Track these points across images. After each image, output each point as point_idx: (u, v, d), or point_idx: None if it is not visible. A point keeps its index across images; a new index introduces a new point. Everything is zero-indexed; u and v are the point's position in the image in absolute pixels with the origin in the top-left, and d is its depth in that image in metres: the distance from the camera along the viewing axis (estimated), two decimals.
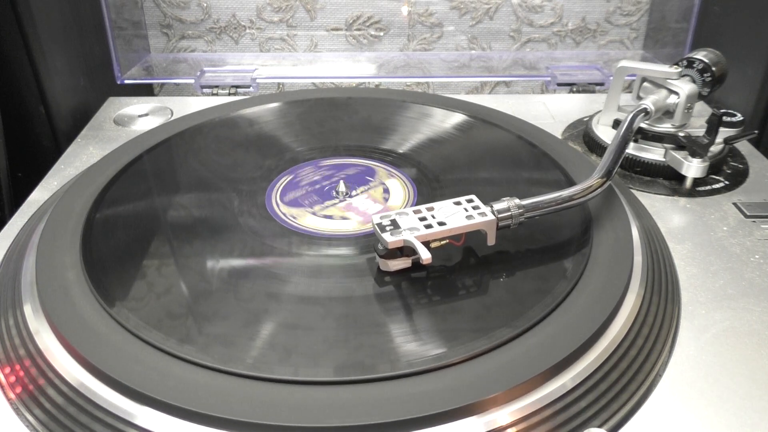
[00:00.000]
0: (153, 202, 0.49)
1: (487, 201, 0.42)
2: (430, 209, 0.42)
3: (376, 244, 0.41)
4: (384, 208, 0.49)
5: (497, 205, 0.42)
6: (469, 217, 0.41)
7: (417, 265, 0.41)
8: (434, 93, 0.84)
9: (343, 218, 0.47)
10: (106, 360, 0.34)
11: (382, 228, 0.40)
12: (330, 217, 0.47)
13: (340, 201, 0.49)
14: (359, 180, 0.52)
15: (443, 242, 0.41)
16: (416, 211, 0.41)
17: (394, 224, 0.40)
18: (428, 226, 0.40)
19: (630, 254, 0.42)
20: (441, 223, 0.40)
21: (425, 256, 0.38)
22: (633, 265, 0.41)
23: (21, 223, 0.50)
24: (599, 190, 0.45)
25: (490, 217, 0.41)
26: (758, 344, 0.39)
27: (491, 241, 0.41)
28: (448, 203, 0.42)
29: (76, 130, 0.65)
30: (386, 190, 0.50)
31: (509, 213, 0.41)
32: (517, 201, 0.42)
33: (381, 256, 0.40)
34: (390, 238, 0.39)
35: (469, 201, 0.42)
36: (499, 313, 0.38)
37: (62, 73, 0.68)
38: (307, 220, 0.47)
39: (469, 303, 0.39)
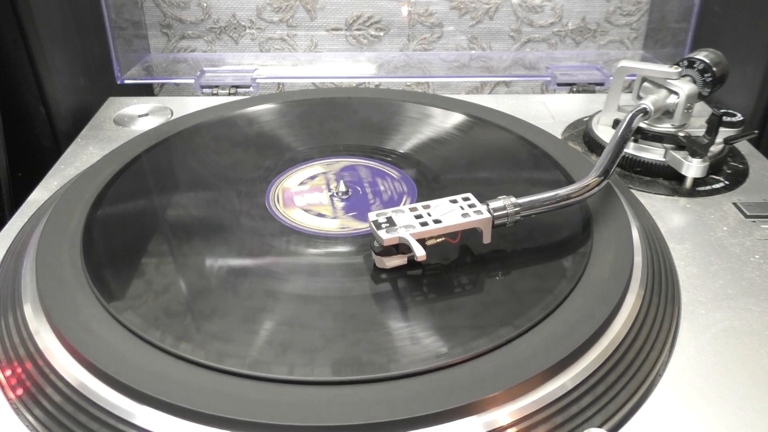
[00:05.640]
0: (153, 202, 0.49)
1: (485, 201, 0.42)
2: (426, 207, 0.42)
3: (372, 241, 0.41)
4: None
5: (493, 204, 0.42)
6: (465, 215, 0.41)
7: (413, 262, 0.41)
8: (434, 93, 0.84)
9: None
10: (105, 359, 0.34)
11: (378, 225, 0.40)
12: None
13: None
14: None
15: (439, 240, 0.41)
16: (412, 209, 0.42)
17: (390, 221, 0.40)
18: (424, 224, 0.40)
19: (630, 254, 0.42)
20: (437, 221, 0.40)
21: (420, 253, 0.38)
22: (633, 265, 0.41)
23: (21, 223, 0.50)
24: (596, 189, 0.45)
25: (486, 215, 0.41)
26: (758, 344, 0.39)
27: (487, 239, 0.41)
28: (445, 201, 0.42)
29: (76, 130, 0.65)
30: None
31: (505, 211, 0.41)
32: (513, 199, 0.42)
33: (377, 254, 0.40)
34: (385, 236, 0.39)
35: (466, 199, 0.42)
36: (499, 312, 0.38)
37: (62, 73, 0.68)
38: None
39: (469, 302, 0.39)
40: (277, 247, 0.44)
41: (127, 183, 0.51)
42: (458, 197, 0.43)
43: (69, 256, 0.42)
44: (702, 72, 0.57)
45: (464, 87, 0.93)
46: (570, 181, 0.50)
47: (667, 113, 0.57)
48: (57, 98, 0.67)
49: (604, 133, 0.60)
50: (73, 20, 0.71)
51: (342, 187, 0.50)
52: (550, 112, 0.69)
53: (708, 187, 0.54)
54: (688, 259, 0.46)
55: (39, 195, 0.54)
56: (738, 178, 0.56)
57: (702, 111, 0.64)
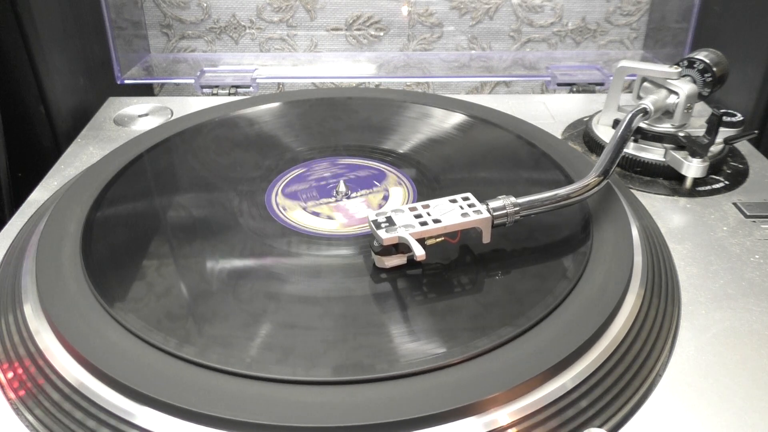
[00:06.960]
0: (153, 202, 0.49)
1: (485, 200, 0.42)
2: (426, 206, 0.42)
3: (371, 240, 0.41)
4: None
5: (493, 203, 0.42)
6: (464, 214, 0.41)
7: (412, 262, 0.41)
8: (434, 93, 0.84)
9: (329, 218, 0.47)
10: (106, 360, 0.34)
11: (378, 225, 0.40)
12: (317, 214, 0.47)
13: (336, 201, 0.49)
14: (365, 183, 0.52)
15: (439, 239, 0.41)
16: (412, 209, 0.42)
17: (390, 221, 0.40)
18: (423, 223, 0.40)
19: (630, 254, 0.42)
20: (436, 221, 0.40)
21: (419, 252, 0.38)
22: (633, 265, 0.41)
23: (21, 223, 0.50)
24: (596, 189, 0.45)
25: (485, 215, 0.41)
26: (758, 344, 0.39)
27: (486, 239, 0.41)
28: (444, 201, 0.42)
29: (76, 130, 0.65)
30: (386, 197, 0.50)
31: (504, 211, 0.41)
32: (512, 199, 0.42)
33: (376, 253, 0.40)
34: (385, 235, 0.39)
35: (465, 199, 0.43)
36: (499, 312, 0.38)
37: (62, 73, 0.68)
38: (295, 213, 0.47)
39: (469, 302, 0.39)
40: (277, 248, 0.44)
41: (128, 183, 0.51)
42: (458, 197, 0.43)
43: (69, 256, 0.42)
44: (702, 72, 0.57)
45: (464, 87, 0.93)
46: (570, 181, 0.50)
47: (667, 113, 0.57)
48: (57, 98, 0.67)
49: (604, 133, 0.60)
50: (73, 20, 0.71)
51: (342, 187, 0.50)
52: (550, 112, 0.69)
53: (708, 187, 0.54)
54: (688, 259, 0.46)
55: (39, 195, 0.54)
56: (738, 178, 0.56)
57: (702, 111, 0.64)
